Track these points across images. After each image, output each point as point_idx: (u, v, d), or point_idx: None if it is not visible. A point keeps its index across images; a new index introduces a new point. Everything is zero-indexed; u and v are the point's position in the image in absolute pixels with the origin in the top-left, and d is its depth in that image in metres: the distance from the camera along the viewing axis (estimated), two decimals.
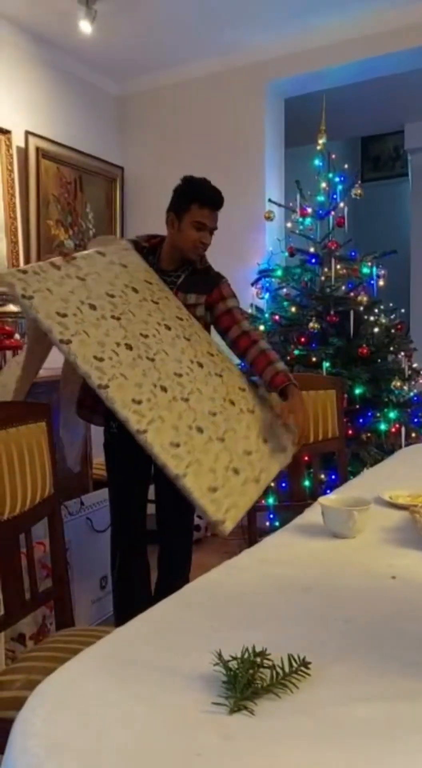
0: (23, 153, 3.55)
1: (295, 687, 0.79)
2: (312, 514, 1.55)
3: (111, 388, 1.71)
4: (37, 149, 3.61)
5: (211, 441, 1.84)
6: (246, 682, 0.76)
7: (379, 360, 3.38)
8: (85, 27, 3.25)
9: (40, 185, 3.63)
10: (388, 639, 0.94)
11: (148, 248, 2.27)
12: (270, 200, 3.80)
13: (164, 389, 1.83)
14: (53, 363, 3.52)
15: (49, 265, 1.86)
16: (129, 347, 1.84)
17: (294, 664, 0.81)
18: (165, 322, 2.02)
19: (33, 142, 3.59)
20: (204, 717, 0.74)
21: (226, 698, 0.75)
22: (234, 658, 0.81)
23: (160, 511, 2.32)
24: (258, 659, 0.81)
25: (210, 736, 0.70)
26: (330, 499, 1.48)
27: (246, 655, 0.81)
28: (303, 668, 0.80)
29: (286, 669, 0.80)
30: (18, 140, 3.53)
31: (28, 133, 3.56)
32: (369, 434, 3.31)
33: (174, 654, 0.88)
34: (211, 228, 2.22)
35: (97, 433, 3.69)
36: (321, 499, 1.47)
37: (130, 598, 2.28)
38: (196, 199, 2.19)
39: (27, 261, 3.56)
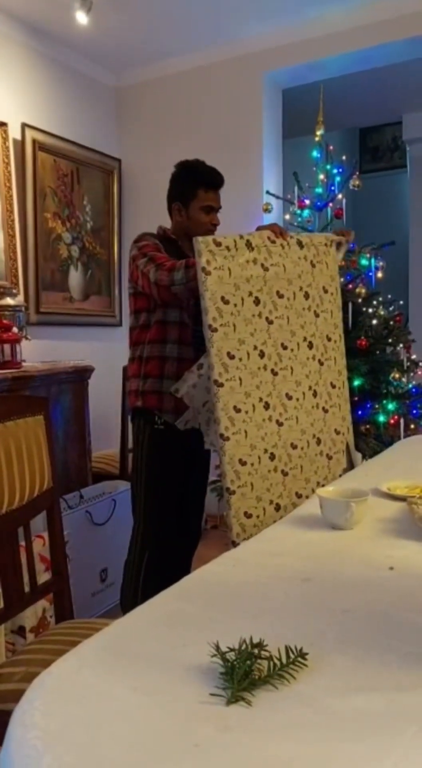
0: (20, 145, 3.53)
1: (293, 678, 0.79)
2: (310, 506, 1.55)
3: (224, 388, 1.81)
4: (34, 141, 3.59)
5: (275, 472, 1.93)
6: (243, 674, 0.76)
7: (378, 352, 3.37)
8: (81, 18, 3.23)
9: (36, 178, 3.61)
10: (386, 629, 0.94)
11: (167, 238, 2.30)
12: (268, 192, 3.78)
13: (267, 406, 1.92)
14: (47, 357, 3.53)
15: (245, 243, 1.90)
16: (262, 355, 1.92)
17: (291, 654, 0.81)
18: (311, 338, 2.11)
19: (29, 134, 3.57)
20: (201, 708, 0.74)
21: (224, 690, 0.76)
22: (232, 650, 0.81)
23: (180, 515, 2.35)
24: (256, 650, 0.81)
25: (207, 728, 0.71)
26: (328, 490, 1.48)
27: (243, 647, 0.81)
28: (300, 659, 0.80)
29: (284, 660, 0.80)
30: (14, 132, 3.51)
31: (24, 125, 3.54)
32: (368, 426, 3.31)
33: (172, 646, 0.88)
34: (217, 208, 2.26)
35: (104, 425, 3.71)
36: (319, 491, 1.47)
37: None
38: (201, 183, 2.23)
39: (24, 255, 3.55)
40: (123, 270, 4.22)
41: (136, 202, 4.29)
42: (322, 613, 1.00)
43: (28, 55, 3.66)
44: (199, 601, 1.04)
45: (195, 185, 2.22)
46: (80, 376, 3.22)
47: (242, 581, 1.13)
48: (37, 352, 3.44)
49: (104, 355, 3.94)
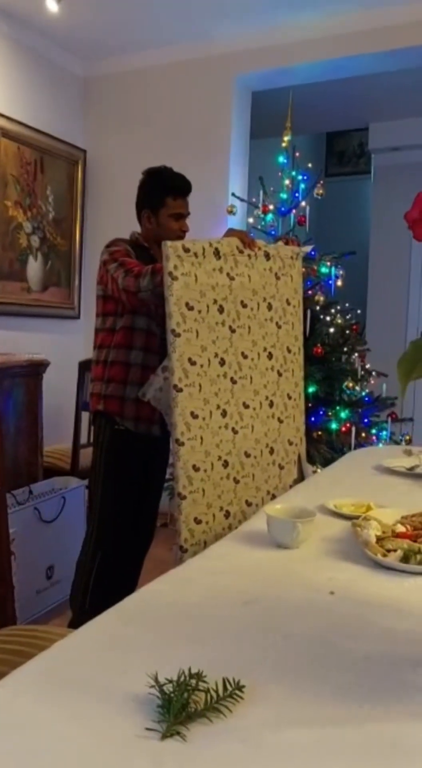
0: None
1: (228, 711, 0.80)
2: (257, 521, 1.57)
3: (183, 394, 1.80)
4: None
5: (228, 479, 1.94)
6: (180, 707, 0.77)
7: (333, 359, 3.43)
8: (52, 5, 3.16)
9: None
10: (323, 658, 0.96)
11: (137, 245, 2.27)
12: (233, 194, 3.78)
13: (224, 414, 1.93)
14: (1, 348, 3.46)
15: (214, 251, 1.90)
16: (222, 362, 1.92)
17: (228, 687, 0.82)
18: (271, 349, 2.12)
19: None
20: (137, 741, 0.74)
21: (159, 723, 0.76)
22: (170, 681, 0.82)
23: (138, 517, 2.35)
24: (194, 682, 0.82)
25: (142, 762, 0.71)
26: (275, 508, 1.49)
27: (181, 678, 0.82)
28: (237, 692, 0.82)
29: (220, 692, 0.81)
30: None
31: None
32: (320, 432, 3.36)
33: (111, 673, 0.89)
34: (187, 214, 2.26)
35: (58, 419, 3.66)
36: (267, 508, 1.48)
37: (106, 602, 2.30)
38: (169, 192, 2.23)
39: None
40: (84, 262, 4.17)
41: (100, 193, 4.24)
42: (262, 638, 1.01)
43: None
44: (140, 624, 1.05)
45: (163, 193, 2.22)
46: (35, 370, 3.18)
47: (185, 602, 1.14)
48: None
49: (61, 347, 3.89)
